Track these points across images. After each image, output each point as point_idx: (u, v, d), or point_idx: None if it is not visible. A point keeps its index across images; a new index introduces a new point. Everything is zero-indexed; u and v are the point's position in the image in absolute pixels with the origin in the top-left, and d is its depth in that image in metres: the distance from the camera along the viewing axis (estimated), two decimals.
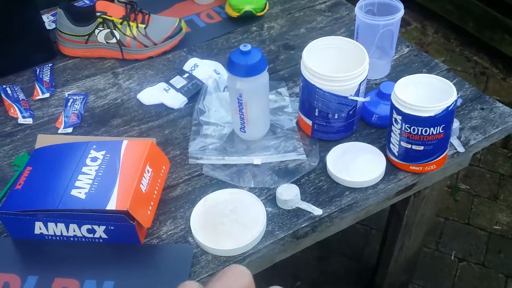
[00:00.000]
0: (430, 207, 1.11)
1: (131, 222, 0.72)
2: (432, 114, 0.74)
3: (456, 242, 1.65)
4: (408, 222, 1.11)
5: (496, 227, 1.70)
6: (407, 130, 0.77)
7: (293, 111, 0.97)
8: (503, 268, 1.59)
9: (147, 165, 0.77)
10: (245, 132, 0.91)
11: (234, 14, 1.21)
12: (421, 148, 0.78)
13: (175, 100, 1.00)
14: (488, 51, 2.32)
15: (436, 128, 0.75)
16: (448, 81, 0.77)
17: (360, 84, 0.83)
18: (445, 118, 0.74)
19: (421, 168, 0.82)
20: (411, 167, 0.82)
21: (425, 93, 0.78)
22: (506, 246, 1.64)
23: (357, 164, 0.84)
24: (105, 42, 1.11)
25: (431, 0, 2.46)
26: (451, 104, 0.74)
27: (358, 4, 0.98)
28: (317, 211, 0.79)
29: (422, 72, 1.03)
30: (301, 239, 0.80)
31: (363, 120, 0.94)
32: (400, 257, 1.24)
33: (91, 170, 0.77)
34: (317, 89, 0.83)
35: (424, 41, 2.46)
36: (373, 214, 0.93)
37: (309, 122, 0.90)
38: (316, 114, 0.87)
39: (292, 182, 0.84)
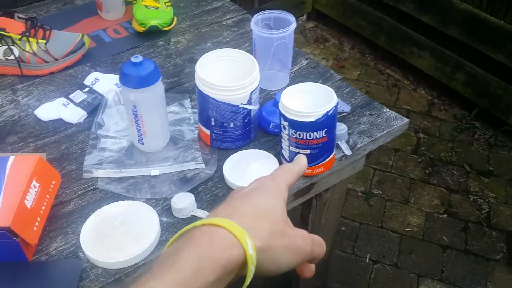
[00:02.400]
0: (334, 211, 1.16)
1: (15, 238, 0.70)
2: (313, 119, 0.78)
3: (370, 245, 1.73)
4: (313, 226, 1.15)
5: (407, 229, 1.79)
6: (294, 135, 0.81)
7: (195, 122, 0.99)
8: (414, 268, 1.68)
9: (34, 180, 0.75)
10: (143, 144, 0.91)
11: (140, 29, 1.22)
12: (308, 152, 0.82)
13: (74, 114, 0.99)
14: (399, 64, 2.48)
15: (319, 132, 0.79)
16: (330, 88, 0.81)
17: (251, 93, 0.86)
18: (326, 122, 0.79)
19: (310, 171, 0.86)
20: None
21: (310, 100, 0.83)
22: (417, 247, 1.74)
23: (251, 171, 0.87)
24: (3, 59, 1.08)
25: (346, 16, 2.59)
26: (331, 109, 0.78)
27: (254, 19, 1.02)
28: None
29: (318, 82, 1.08)
30: None
31: (261, 128, 0.98)
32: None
33: None
34: (210, 99, 0.86)
35: (341, 57, 2.58)
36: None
37: (208, 132, 0.92)
38: (213, 123, 0.90)
39: (190, 191, 0.85)
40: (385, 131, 0.96)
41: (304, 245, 0.43)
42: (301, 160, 0.51)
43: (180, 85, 1.10)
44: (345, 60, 2.55)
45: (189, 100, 1.05)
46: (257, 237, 0.39)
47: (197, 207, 0.83)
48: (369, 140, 0.94)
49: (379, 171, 1.98)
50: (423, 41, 2.30)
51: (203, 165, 0.90)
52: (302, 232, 0.44)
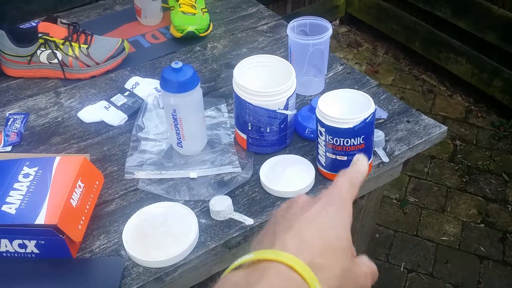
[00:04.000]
0: (369, 217, 1.15)
1: (61, 236, 0.73)
2: (351, 125, 0.78)
3: (405, 254, 1.70)
4: None
5: (443, 238, 1.76)
6: (331, 141, 0.81)
7: (231, 126, 1.00)
8: (450, 278, 1.64)
9: (79, 181, 0.78)
10: (182, 147, 0.93)
11: (178, 34, 1.25)
12: (345, 158, 0.82)
13: (115, 117, 1.02)
14: (435, 69, 2.44)
15: (356, 139, 0.79)
16: (367, 95, 0.81)
17: (288, 98, 0.87)
18: (364, 129, 0.79)
19: None
20: None
21: (347, 106, 0.83)
22: (453, 256, 1.70)
23: (288, 175, 0.88)
24: (47, 63, 1.13)
25: (379, 21, 2.57)
26: (369, 116, 0.78)
27: (290, 25, 1.03)
28: (249, 221, 0.82)
29: (354, 88, 1.08)
30: (233, 249, 0.82)
31: (297, 133, 0.98)
32: None
33: (22, 186, 0.77)
34: (248, 104, 0.87)
35: (375, 61, 2.56)
36: None
37: (244, 136, 0.93)
38: (250, 128, 0.91)
39: (227, 194, 0.87)
40: (423, 139, 0.95)
41: (365, 283, 0.41)
42: (363, 166, 0.45)
43: (217, 89, 1.12)
44: (379, 65, 2.53)
45: (225, 104, 1.07)
46: (326, 279, 0.37)
47: (234, 210, 0.84)
48: (407, 148, 0.93)
49: (414, 179, 1.95)
50: (460, 47, 2.26)
51: (240, 168, 0.92)
52: (364, 269, 0.41)
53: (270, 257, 0.36)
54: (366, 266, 0.41)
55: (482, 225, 1.79)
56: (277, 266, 0.36)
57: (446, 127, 0.99)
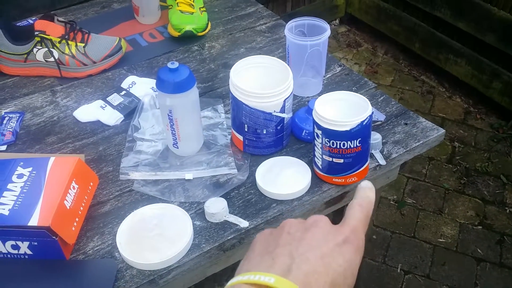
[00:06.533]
0: None
1: (54, 237, 0.72)
2: (348, 128, 0.77)
3: (402, 255, 1.70)
4: None
5: (440, 240, 1.76)
6: (327, 144, 0.80)
7: (228, 127, 1.00)
8: (447, 280, 1.64)
9: (73, 182, 0.77)
10: (178, 148, 0.92)
11: (175, 33, 1.24)
12: (341, 161, 0.82)
13: (111, 117, 1.01)
14: (434, 70, 2.43)
15: (353, 141, 0.79)
16: (364, 97, 0.81)
17: (285, 100, 0.86)
18: (361, 132, 0.78)
19: (343, 180, 0.85)
20: (334, 179, 0.86)
21: (344, 109, 0.82)
22: (450, 258, 1.70)
23: (284, 178, 0.87)
24: (44, 61, 1.12)
25: (379, 21, 2.56)
26: (366, 119, 0.78)
27: (288, 26, 1.02)
28: (244, 223, 0.81)
29: (352, 90, 1.08)
30: (228, 251, 0.81)
31: (294, 135, 0.98)
32: None
33: (16, 186, 0.77)
34: (244, 106, 0.86)
35: (374, 62, 2.55)
36: None
37: (241, 138, 0.93)
38: (246, 129, 0.90)
39: (222, 196, 0.86)
40: (421, 142, 0.95)
41: None
42: (373, 195, 0.44)
43: (214, 90, 1.12)
44: (378, 66, 2.52)
45: (222, 105, 1.06)
46: None
47: (229, 212, 0.83)
48: (404, 150, 0.93)
49: (412, 180, 1.95)
50: (459, 48, 2.25)
51: (236, 170, 0.91)
52: None
53: (276, 284, 0.36)
54: None
55: (480, 227, 1.79)
56: None
57: (444, 130, 0.98)
